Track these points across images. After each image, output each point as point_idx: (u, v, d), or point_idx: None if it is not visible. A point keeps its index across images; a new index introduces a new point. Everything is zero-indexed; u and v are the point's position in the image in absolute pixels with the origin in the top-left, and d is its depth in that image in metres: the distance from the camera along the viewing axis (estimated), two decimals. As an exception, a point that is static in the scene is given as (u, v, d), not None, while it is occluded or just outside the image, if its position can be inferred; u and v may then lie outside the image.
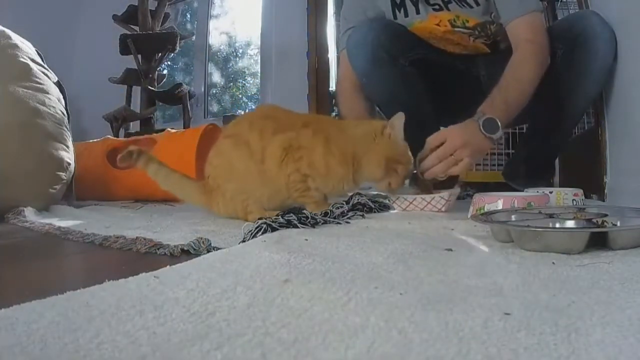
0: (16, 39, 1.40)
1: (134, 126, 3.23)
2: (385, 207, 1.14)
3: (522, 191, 1.05)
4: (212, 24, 3.74)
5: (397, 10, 1.37)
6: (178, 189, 1.16)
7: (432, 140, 1.07)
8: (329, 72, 2.97)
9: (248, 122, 1.10)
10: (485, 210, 0.89)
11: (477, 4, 1.27)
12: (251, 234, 0.77)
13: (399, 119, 1.03)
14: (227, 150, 1.08)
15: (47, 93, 1.38)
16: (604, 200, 1.29)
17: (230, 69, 3.94)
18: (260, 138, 1.05)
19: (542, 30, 1.21)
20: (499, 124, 1.07)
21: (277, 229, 0.79)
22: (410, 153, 1.08)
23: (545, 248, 0.61)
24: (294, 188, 1.04)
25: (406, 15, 1.36)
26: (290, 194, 1.05)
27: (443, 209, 1.10)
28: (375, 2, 1.39)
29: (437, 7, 1.31)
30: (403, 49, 1.32)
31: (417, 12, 1.34)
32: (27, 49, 1.42)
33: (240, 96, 3.97)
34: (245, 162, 1.05)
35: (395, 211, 1.14)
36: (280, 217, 0.85)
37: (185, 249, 0.70)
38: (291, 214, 0.87)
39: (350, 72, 1.40)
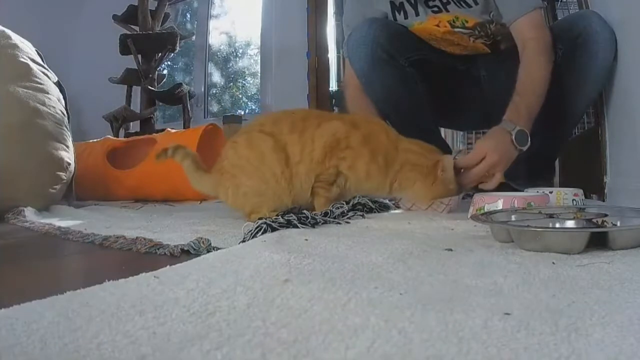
0: (16, 39, 1.40)
1: (134, 126, 3.22)
2: (385, 207, 1.15)
3: (522, 191, 1.05)
4: (212, 24, 3.74)
5: (396, 12, 1.37)
6: (203, 185, 1.14)
7: (471, 159, 1.05)
8: (329, 72, 2.97)
9: (289, 123, 1.06)
10: (485, 210, 0.89)
11: (476, 3, 1.27)
12: (251, 234, 0.77)
13: (450, 163, 1.03)
14: (264, 147, 1.04)
15: (47, 93, 1.38)
16: (604, 200, 1.29)
17: (230, 69, 3.94)
18: (299, 138, 1.03)
19: (543, 25, 1.22)
20: (529, 135, 1.06)
21: (277, 229, 0.79)
22: (456, 184, 1.06)
23: (545, 248, 0.61)
24: (322, 179, 1.03)
25: (406, 17, 1.36)
26: (315, 183, 1.04)
27: (444, 213, 1.10)
28: (373, 7, 1.39)
29: (435, 9, 1.31)
30: (403, 50, 1.32)
31: (417, 14, 1.34)
32: (27, 49, 1.42)
33: (240, 96, 3.97)
34: (282, 168, 1.02)
35: (396, 211, 1.14)
36: (280, 217, 0.85)
37: (185, 249, 0.70)
38: (291, 214, 0.87)
39: (354, 78, 1.41)
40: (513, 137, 1.04)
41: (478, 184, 1.08)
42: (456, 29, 1.32)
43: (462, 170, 1.07)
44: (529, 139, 1.06)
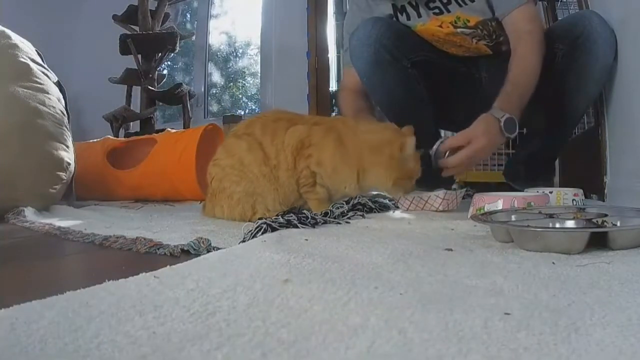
0: (16, 39, 1.40)
1: (134, 126, 3.22)
2: (385, 207, 1.15)
3: (522, 191, 1.05)
4: (212, 24, 3.74)
5: (398, 14, 1.37)
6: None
7: (456, 140, 1.08)
8: (329, 72, 2.97)
9: (261, 124, 1.10)
10: (485, 210, 0.89)
11: None
12: (251, 234, 0.77)
13: (412, 139, 1.03)
14: (239, 151, 1.07)
15: (47, 93, 1.38)
16: (604, 200, 1.29)
17: (230, 69, 3.94)
18: (271, 140, 1.06)
19: (537, 19, 1.24)
20: (517, 123, 1.08)
21: (277, 229, 0.79)
22: (419, 164, 1.07)
23: (545, 248, 0.61)
24: (303, 183, 1.05)
25: (408, 19, 1.36)
26: (300, 189, 1.06)
27: (440, 208, 1.10)
28: (374, 13, 1.38)
29: (437, 10, 1.31)
30: (405, 50, 1.32)
31: (419, 16, 1.34)
32: (27, 49, 1.42)
33: (240, 96, 3.96)
34: (259, 167, 1.05)
35: (396, 211, 1.14)
36: (280, 217, 0.85)
37: (185, 249, 0.70)
38: (291, 214, 0.87)
39: (352, 83, 1.41)
40: (502, 124, 1.06)
41: (462, 170, 1.10)
42: (459, 29, 1.32)
43: (446, 154, 1.08)
44: (517, 127, 1.08)
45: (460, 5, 1.29)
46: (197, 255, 0.65)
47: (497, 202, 0.90)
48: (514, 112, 1.08)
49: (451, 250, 0.64)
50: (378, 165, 1.04)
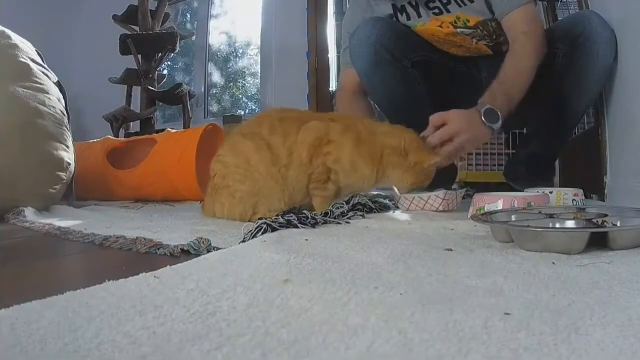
0: (16, 39, 1.40)
1: (134, 126, 3.22)
2: (385, 207, 1.15)
3: (522, 191, 1.05)
4: (212, 24, 3.74)
5: (398, 14, 1.37)
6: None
7: (434, 119, 1.08)
8: (329, 72, 2.97)
9: (268, 124, 1.08)
10: (485, 210, 0.89)
11: None
12: (251, 234, 0.77)
13: (439, 160, 1.06)
14: (247, 151, 1.06)
15: (47, 93, 1.38)
16: (604, 200, 1.29)
17: (230, 69, 3.94)
18: (283, 141, 1.04)
19: (537, 20, 1.23)
20: (499, 114, 1.08)
21: (277, 229, 0.79)
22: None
23: (545, 248, 0.61)
24: (315, 179, 1.05)
25: (408, 19, 1.36)
26: (310, 184, 1.06)
27: (441, 208, 1.10)
28: (374, 12, 1.38)
29: (436, 10, 1.31)
30: (406, 50, 1.32)
31: (419, 16, 1.34)
32: (27, 49, 1.42)
33: (240, 96, 3.97)
34: (266, 167, 1.04)
35: (396, 211, 1.14)
36: (280, 217, 0.85)
37: (185, 249, 0.70)
38: (291, 214, 0.87)
39: (350, 83, 1.41)
40: (482, 114, 1.07)
41: (443, 156, 1.09)
42: (458, 29, 1.32)
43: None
44: (500, 118, 1.08)
45: (460, 6, 1.29)
46: (197, 255, 0.65)
47: (497, 202, 0.90)
48: (498, 106, 1.09)
49: (451, 250, 0.64)
50: (398, 166, 1.05)
